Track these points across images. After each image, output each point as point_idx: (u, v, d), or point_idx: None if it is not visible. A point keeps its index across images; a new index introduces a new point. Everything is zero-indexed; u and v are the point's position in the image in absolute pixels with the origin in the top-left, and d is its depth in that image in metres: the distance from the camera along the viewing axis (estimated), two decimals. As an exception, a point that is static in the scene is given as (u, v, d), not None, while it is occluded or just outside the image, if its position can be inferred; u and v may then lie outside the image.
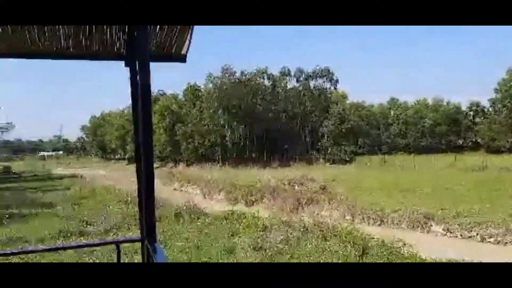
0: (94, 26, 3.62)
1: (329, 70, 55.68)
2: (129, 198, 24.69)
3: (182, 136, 55.32)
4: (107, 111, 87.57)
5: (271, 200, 24.37)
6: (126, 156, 75.27)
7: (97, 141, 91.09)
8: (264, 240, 13.52)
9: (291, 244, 13.40)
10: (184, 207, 20.84)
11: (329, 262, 10.96)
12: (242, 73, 53.62)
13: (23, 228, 16.33)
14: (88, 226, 16.83)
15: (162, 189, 30.59)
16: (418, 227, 17.76)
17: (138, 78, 3.67)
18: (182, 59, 4.23)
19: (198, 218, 18.51)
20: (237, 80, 52.75)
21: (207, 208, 22.10)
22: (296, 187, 28.02)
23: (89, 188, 32.25)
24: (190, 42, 4.02)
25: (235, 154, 54.11)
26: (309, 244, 13.21)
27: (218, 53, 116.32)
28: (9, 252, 4.85)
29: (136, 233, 15.78)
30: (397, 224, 18.36)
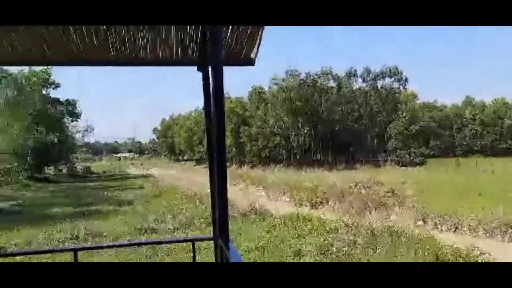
0: (170, 33, 3.82)
1: (397, 69, 53.58)
2: (198, 198, 25.61)
3: (247, 138, 56.21)
4: (176, 114, 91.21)
5: (336, 203, 23.93)
6: (194, 158, 77.93)
7: (166, 143, 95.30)
8: (330, 244, 13.31)
9: (358, 249, 13.08)
10: (250, 208, 21.16)
11: (331, 262, 10.63)
12: (306, 74, 53.31)
13: (103, 224, 17.50)
14: (161, 223, 17.64)
15: (228, 190, 31.24)
16: (497, 235, 16.48)
17: (210, 82, 3.80)
18: (251, 62, 4.31)
19: (264, 219, 18.70)
20: (301, 82, 52.55)
21: (272, 209, 22.20)
22: (363, 190, 27.27)
23: (161, 187, 33.89)
24: (259, 45, 4.09)
25: (299, 156, 53.89)
26: (378, 250, 12.80)
27: (282, 55, 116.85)
28: (87, 246, 5.27)
29: (204, 231, 16.32)
30: (473, 231, 17.17)
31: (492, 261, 12.04)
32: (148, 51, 4.06)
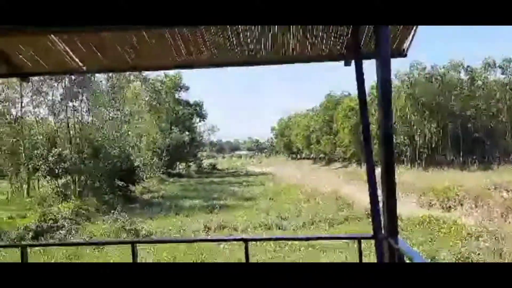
0: (319, 31, 3.82)
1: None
2: (318, 196, 25.54)
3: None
4: (293, 113, 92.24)
5: (472, 207, 21.67)
6: (312, 156, 77.99)
7: (284, 141, 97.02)
8: (470, 251, 12.09)
9: (503, 257, 11.66)
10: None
11: (333, 262, 9.91)
12: (432, 67, 49.35)
13: (230, 217, 18.53)
14: (283, 220, 18.02)
15: (347, 188, 30.55)
16: None
17: (364, 76, 3.69)
18: (403, 54, 4.11)
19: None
20: (427, 76, 48.81)
21: (399, 211, 21.01)
22: (504, 193, 24.21)
23: (281, 185, 34.66)
24: (413, 37, 3.86)
25: (425, 155, 50.20)
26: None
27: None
28: (257, 237, 5.56)
29: (328, 231, 16.18)
30: None
31: None
32: (297, 49, 4.10)
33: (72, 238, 15.72)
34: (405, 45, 4.00)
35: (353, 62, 3.86)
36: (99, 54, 3.85)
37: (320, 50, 4.16)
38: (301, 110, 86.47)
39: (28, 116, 26.90)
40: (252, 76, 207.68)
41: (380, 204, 3.29)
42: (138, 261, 3.91)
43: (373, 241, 3.66)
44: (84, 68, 4.16)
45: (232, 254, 11.96)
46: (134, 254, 3.86)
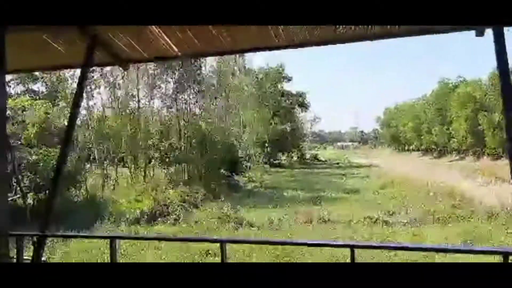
0: None
1: None
2: (430, 191, 23.57)
3: (487, 126, 48.73)
4: (401, 102, 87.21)
5: None
6: (421, 147, 72.95)
7: (390, 132, 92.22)
8: None
9: None
10: (496, 207, 18.04)
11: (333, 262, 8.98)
12: None
13: (333, 211, 17.92)
14: (390, 216, 16.92)
15: (464, 184, 27.72)
16: None
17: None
18: None
19: (518, 222, 15.59)
20: None
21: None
22: None
23: (387, 178, 32.78)
24: None
25: None
26: None
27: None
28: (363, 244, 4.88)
29: (443, 231, 14.67)
30: None
31: None
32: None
33: (181, 222, 16.69)
34: None
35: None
36: (194, 39, 3.74)
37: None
38: (410, 98, 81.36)
39: (145, 108, 29.24)
40: (358, 65, 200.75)
41: None
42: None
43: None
44: (180, 53, 4.13)
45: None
46: (113, 250, 3.66)
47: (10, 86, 53.39)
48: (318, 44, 3.91)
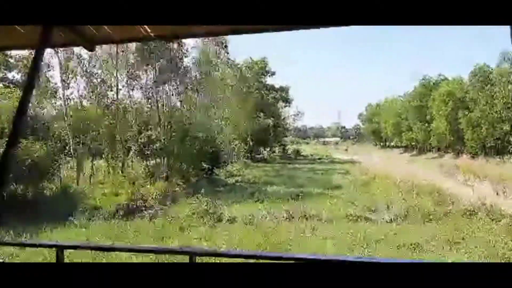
0: None
1: None
2: (411, 188, 23.57)
3: (466, 124, 49.41)
4: (383, 99, 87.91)
5: None
6: (402, 144, 73.76)
7: (372, 129, 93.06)
8: None
9: None
10: (476, 205, 18.08)
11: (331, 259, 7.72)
12: (552, 46, 42.99)
13: (315, 207, 17.60)
14: (372, 212, 16.73)
15: (444, 182, 27.92)
16: None
17: None
18: None
19: (498, 220, 15.59)
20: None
21: (505, 208, 18.47)
22: None
23: (369, 174, 32.79)
24: None
25: (537, 147, 44.39)
26: None
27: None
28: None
29: (424, 227, 14.55)
30: None
31: None
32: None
33: (159, 218, 16.14)
34: None
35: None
36: None
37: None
38: (391, 95, 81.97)
39: (123, 99, 28.41)
40: (341, 59, 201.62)
41: None
42: None
43: None
44: (152, 34, 3.67)
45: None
46: (58, 260, 3.23)
47: (-16, 75, 51.56)
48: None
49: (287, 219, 15.66)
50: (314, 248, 11.35)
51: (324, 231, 13.54)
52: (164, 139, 25.17)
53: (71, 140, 23.60)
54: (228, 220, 15.37)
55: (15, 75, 51.18)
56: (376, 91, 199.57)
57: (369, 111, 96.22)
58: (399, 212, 16.65)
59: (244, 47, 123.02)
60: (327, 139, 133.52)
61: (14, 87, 25.02)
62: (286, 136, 66.07)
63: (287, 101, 59.69)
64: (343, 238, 12.59)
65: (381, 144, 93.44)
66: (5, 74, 53.08)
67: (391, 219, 15.77)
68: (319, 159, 59.86)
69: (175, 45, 25.65)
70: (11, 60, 49.60)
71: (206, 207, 16.22)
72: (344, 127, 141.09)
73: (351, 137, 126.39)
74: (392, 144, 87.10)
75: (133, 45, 25.83)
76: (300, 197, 19.74)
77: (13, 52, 43.27)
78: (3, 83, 40.51)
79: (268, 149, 58.71)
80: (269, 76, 55.31)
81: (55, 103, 25.90)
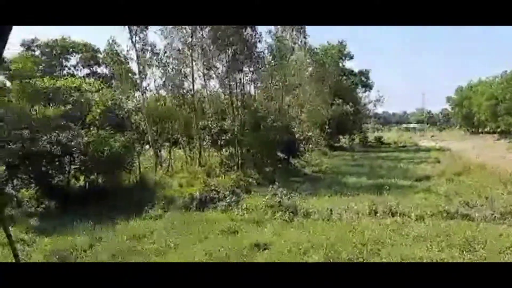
0: None
1: None
2: (513, 180, 20.43)
3: None
4: (476, 80, 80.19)
5: None
6: (498, 130, 66.64)
7: (462, 113, 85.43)
8: None
9: None
10: None
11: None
12: None
13: (401, 200, 15.77)
14: (472, 208, 14.49)
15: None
16: None
17: None
18: None
19: None
20: None
21: None
22: None
23: (461, 163, 29.42)
24: None
25: None
26: None
27: None
28: None
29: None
30: None
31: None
32: None
33: (232, 209, 15.54)
34: None
35: None
36: None
37: None
38: (487, 76, 74.35)
39: (199, 89, 28.45)
40: (424, 42, 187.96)
41: None
42: None
43: None
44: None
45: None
46: None
47: (78, 69, 55.77)
48: None
49: (369, 215, 14.12)
50: (404, 250, 9.83)
51: (414, 229, 11.84)
52: (237, 128, 24.63)
53: (149, 131, 24.01)
54: (303, 213, 14.26)
55: (104, 70, 54.57)
56: (466, 73, 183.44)
57: (459, 94, 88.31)
58: (504, 209, 14.24)
59: (321, 30, 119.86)
60: (411, 126, 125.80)
61: (103, 81, 26.20)
62: (366, 123, 62.98)
63: (368, 85, 56.63)
64: (437, 239, 10.85)
65: (472, 130, 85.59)
66: (95, 68, 56.94)
67: (494, 217, 13.51)
68: (403, 146, 56.14)
69: (249, 30, 24.86)
70: (99, 56, 52.82)
71: (280, 199, 15.25)
72: (429, 112, 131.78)
73: (438, 122, 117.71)
74: (485, 129, 79.24)
75: (208, 34, 25.55)
76: (383, 189, 17.88)
77: (101, 48, 45.98)
78: (94, 77, 43.24)
79: (347, 137, 56.36)
80: (347, 60, 52.73)
81: (134, 94, 26.63)
